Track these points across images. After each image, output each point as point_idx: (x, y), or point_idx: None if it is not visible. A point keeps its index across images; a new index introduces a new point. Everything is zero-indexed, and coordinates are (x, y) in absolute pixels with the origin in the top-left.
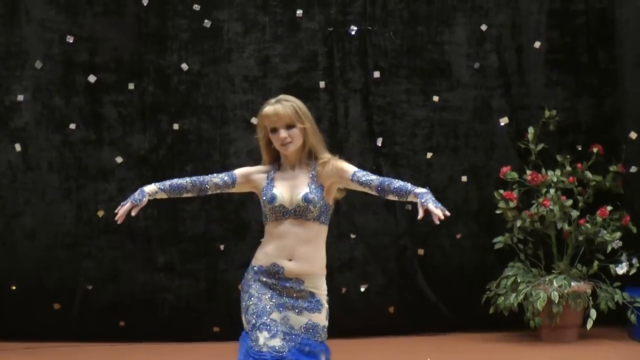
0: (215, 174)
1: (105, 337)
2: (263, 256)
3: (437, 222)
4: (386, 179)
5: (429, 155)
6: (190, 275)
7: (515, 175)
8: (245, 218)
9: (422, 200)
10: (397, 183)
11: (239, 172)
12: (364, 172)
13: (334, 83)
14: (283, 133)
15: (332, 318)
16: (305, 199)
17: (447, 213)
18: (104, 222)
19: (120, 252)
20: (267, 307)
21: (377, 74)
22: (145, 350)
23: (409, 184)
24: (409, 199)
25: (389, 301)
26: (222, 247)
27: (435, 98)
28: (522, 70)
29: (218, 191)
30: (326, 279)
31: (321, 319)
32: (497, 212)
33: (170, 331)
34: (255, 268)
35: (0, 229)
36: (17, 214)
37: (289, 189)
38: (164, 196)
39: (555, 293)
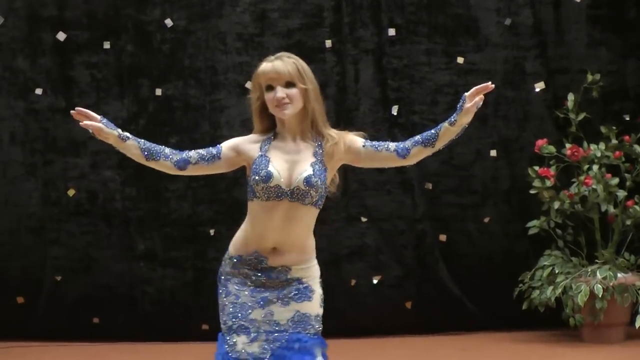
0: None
1: (77, 336)
2: (243, 244)
3: (493, 86)
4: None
5: None
6: (175, 264)
7: (552, 149)
8: (238, 198)
9: (459, 107)
10: (418, 135)
11: (225, 143)
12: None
13: (343, 42)
14: (280, 92)
15: (340, 314)
16: (308, 182)
17: (490, 85)
18: (75, 203)
19: (94, 238)
20: (247, 305)
21: (392, 32)
22: (122, 351)
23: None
24: (445, 135)
25: (406, 295)
26: (212, 231)
27: (460, 60)
28: (561, 27)
29: (203, 165)
30: (333, 268)
31: (313, 307)
32: (532, 192)
33: (151, 329)
34: (234, 259)
35: None
36: None
37: (288, 165)
38: (134, 152)
39: (599, 286)
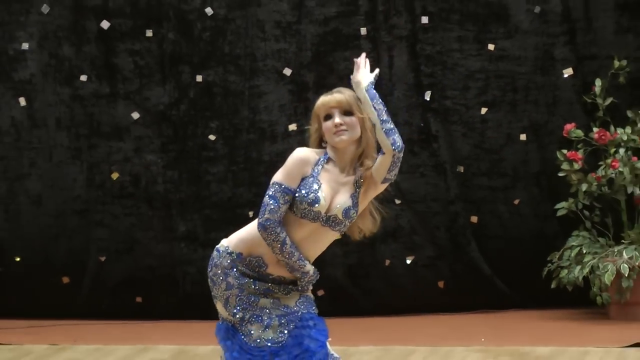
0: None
1: (120, 315)
2: (252, 245)
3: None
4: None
5: (484, 110)
6: (215, 245)
7: (580, 133)
8: None
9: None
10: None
11: (285, 178)
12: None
13: (377, 30)
14: (338, 118)
15: (375, 294)
16: (346, 214)
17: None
18: (119, 186)
19: (137, 220)
20: (252, 296)
21: (425, 20)
22: (164, 329)
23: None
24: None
25: (439, 275)
26: (251, 213)
27: (491, 46)
28: (589, 15)
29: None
30: (368, 248)
31: (310, 293)
32: (560, 174)
33: (192, 308)
34: (233, 255)
35: (2, 194)
36: (22, 177)
37: (332, 192)
38: None
39: (625, 266)
